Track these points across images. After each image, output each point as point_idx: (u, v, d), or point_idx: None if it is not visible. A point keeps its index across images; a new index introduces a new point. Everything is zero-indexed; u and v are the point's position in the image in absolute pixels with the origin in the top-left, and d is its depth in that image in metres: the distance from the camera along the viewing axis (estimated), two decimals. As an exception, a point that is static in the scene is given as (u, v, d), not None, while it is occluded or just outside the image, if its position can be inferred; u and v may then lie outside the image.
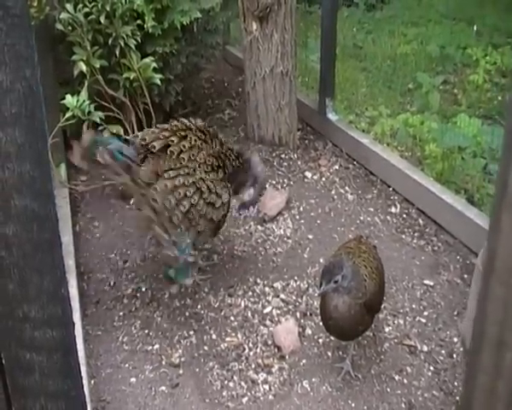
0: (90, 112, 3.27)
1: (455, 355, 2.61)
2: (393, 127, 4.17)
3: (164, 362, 2.59)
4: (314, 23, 5.86)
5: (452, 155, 3.72)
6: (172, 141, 2.67)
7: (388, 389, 2.45)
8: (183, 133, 2.72)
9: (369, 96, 4.77)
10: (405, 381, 2.49)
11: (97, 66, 3.38)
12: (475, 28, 5.68)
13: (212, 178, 2.73)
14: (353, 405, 2.38)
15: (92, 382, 2.48)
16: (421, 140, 4.04)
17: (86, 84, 3.35)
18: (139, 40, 3.47)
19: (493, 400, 1.50)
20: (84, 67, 3.33)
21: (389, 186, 3.80)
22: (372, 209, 3.63)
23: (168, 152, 2.65)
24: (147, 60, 3.49)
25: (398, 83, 4.93)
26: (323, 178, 3.95)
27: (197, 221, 2.68)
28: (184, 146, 2.67)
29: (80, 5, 3.29)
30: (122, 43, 3.40)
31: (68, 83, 3.66)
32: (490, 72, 5.10)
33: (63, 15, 3.26)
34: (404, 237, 3.37)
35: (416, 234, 3.39)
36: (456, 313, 2.83)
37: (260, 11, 3.89)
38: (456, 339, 2.68)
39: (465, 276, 3.04)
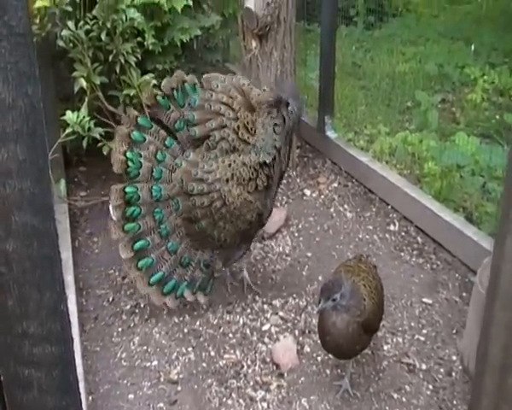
0: (89, 128, 3.29)
1: (454, 374, 2.60)
2: (392, 145, 4.19)
3: (162, 379, 2.59)
4: (313, 41, 5.91)
5: (451, 174, 3.74)
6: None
7: (387, 408, 2.44)
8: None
9: (368, 114, 4.80)
10: (404, 399, 2.48)
11: (97, 82, 3.40)
12: (473, 48, 5.72)
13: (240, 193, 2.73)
14: (352, 423, 2.37)
15: (90, 398, 2.47)
16: (419, 158, 4.05)
17: (86, 100, 3.37)
18: (139, 57, 3.49)
19: None
20: (84, 84, 3.35)
21: (388, 204, 3.82)
22: (371, 227, 3.63)
23: (205, 144, 2.74)
24: (147, 77, 3.50)
25: (397, 101, 4.96)
26: (322, 196, 3.96)
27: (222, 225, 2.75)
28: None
29: (81, 22, 3.32)
30: (122, 60, 3.41)
31: (69, 99, 3.68)
32: (488, 91, 5.13)
33: (64, 32, 3.28)
34: (402, 254, 3.38)
35: (414, 252, 3.39)
36: (454, 331, 2.82)
37: (260, 29, 3.92)
38: (454, 357, 2.68)
39: (464, 294, 3.04)
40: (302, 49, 5.37)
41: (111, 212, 2.79)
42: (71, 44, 3.36)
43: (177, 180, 2.75)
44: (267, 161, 2.73)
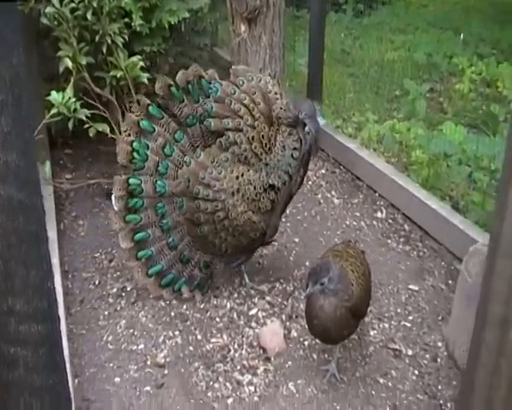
0: (75, 109, 3.22)
1: (439, 359, 2.61)
2: (380, 133, 4.19)
3: (149, 362, 2.57)
4: (302, 27, 5.88)
5: (438, 162, 3.75)
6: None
7: (373, 392, 2.45)
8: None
9: (357, 101, 4.79)
10: (390, 384, 2.49)
11: (83, 63, 3.33)
12: (462, 37, 5.73)
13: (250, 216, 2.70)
14: (338, 407, 2.37)
15: (76, 381, 2.44)
16: (407, 146, 4.06)
17: (72, 80, 3.30)
18: (126, 38, 3.43)
19: (496, 378, 1.48)
20: (69, 64, 3.27)
21: (375, 191, 3.82)
22: (358, 214, 3.64)
23: (217, 142, 2.69)
24: (134, 58, 3.44)
25: (385, 89, 4.96)
26: (310, 182, 3.95)
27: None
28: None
29: (66, 0, 3.25)
30: (109, 41, 3.35)
31: (53, 79, 3.61)
32: (475, 81, 5.15)
33: (48, 9, 3.20)
34: (389, 241, 3.39)
35: (401, 239, 3.40)
36: (440, 317, 2.83)
37: (249, 13, 3.88)
38: (440, 344, 2.69)
39: (449, 282, 3.06)
40: (291, 35, 5.35)
41: (113, 201, 2.75)
42: (55, 22, 3.28)
43: (183, 178, 2.69)
44: (276, 185, 2.68)
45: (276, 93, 2.73)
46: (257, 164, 2.69)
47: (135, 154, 2.70)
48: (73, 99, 3.19)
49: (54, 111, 3.17)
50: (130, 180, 2.71)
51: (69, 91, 3.22)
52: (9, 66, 1.21)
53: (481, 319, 1.55)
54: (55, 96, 3.15)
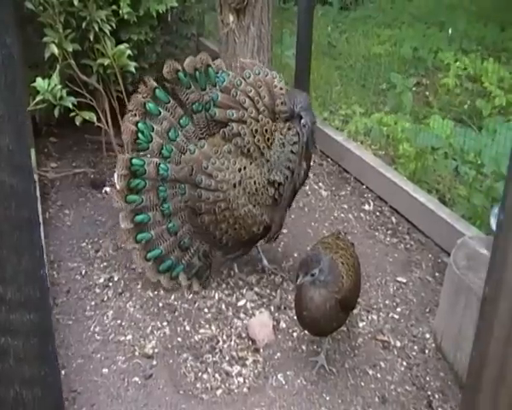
0: (61, 97, 3.16)
1: (427, 351, 2.63)
2: (367, 126, 4.20)
3: (137, 353, 2.54)
4: (288, 20, 5.87)
5: (425, 155, 3.77)
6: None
7: (362, 384, 2.45)
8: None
9: (344, 94, 4.79)
10: (379, 375, 2.50)
11: (70, 49, 3.27)
12: (450, 31, 5.76)
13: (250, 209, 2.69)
14: (328, 398, 2.37)
15: (63, 372, 2.39)
16: (394, 139, 4.07)
17: (58, 67, 3.24)
18: (114, 26, 3.38)
19: (510, 350, 1.46)
20: (55, 50, 3.22)
21: (363, 184, 3.83)
22: (346, 206, 3.64)
23: (221, 132, 2.68)
24: (121, 46, 3.40)
25: (372, 83, 4.97)
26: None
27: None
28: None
29: (52, -16, 3.18)
30: (96, 28, 3.30)
31: (38, 66, 3.54)
32: (460, 76, 5.18)
33: (33, -7, 3.15)
34: (377, 234, 3.40)
35: (388, 232, 3.41)
36: (428, 309, 2.85)
37: (237, 3, 3.84)
38: (428, 335, 2.70)
39: (436, 274, 3.07)
40: (278, 27, 5.32)
41: (115, 180, 2.73)
42: (40, 7, 3.22)
43: (187, 165, 2.68)
44: (277, 181, 2.67)
45: (281, 88, 2.72)
46: (259, 159, 2.67)
47: (139, 134, 2.70)
48: (59, 86, 3.13)
49: (39, 98, 3.11)
50: (134, 160, 2.69)
51: (55, 78, 3.15)
52: (3, 45, 1.17)
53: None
54: (40, 82, 3.09)
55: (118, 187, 2.72)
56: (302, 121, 2.64)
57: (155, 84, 2.74)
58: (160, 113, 2.73)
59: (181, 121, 2.75)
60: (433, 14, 6.50)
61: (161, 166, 2.71)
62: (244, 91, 2.68)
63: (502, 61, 5.41)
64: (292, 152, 2.66)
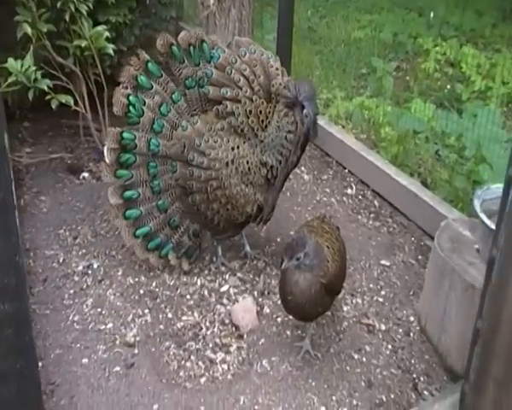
0: (36, 79, 3.06)
1: (411, 334, 2.62)
2: (349, 110, 4.17)
3: (118, 342, 2.48)
4: (268, 4, 5.80)
5: (406, 139, 3.75)
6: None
7: (348, 368, 2.43)
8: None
9: (324, 78, 4.75)
10: (364, 359, 2.48)
11: (44, 30, 3.16)
12: (432, 16, 5.76)
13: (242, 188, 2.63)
14: (313, 384, 2.35)
15: (40, 364, 2.32)
16: (375, 123, 4.05)
17: (31, 48, 3.12)
18: (91, 6, 3.28)
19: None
20: (28, 30, 3.10)
21: (345, 168, 3.80)
22: (328, 190, 3.61)
23: (214, 110, 2.62)
24: (99, 28, 3.30)
25: (352, 67, 4.94)
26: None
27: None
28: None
29: (23, -40, 3.06)
30: (72, 8, 3.19)
31: (9, 47, 3.41)
32: (440, 61, 5.19)
33: (3, -30, 3.03)
34: (360, 217, 3.37)
35: (371, 215, 3.39)
36: (411, 292, 2.84)
37: (218, -15, 3.77)
38: (412, 318, 2.70)
39: (419, 257, 3.07)
40: (258, 11, 5.24)
41: (105, 153, 2.66)
42: (11, -16, 3.10)
43: (178, 141, 2.62)
44: (269, 163, 2.62)
45: (277, 69, 2.68)
46: (253, 139, 2.63)
47: (131, 108, 2.64)
48: (33, 68, 3.02)
49: (11, 80, 3.00)
50: (124, 134, 2.64)
51: (29, 59, 3.04)
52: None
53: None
54: (12, 63, 2.98)
55: (107, 161, 2.65)
56: (304, 111, 2.58)
57: (148, 57, 2.68)
58: (152, 87, 2.67)
59: (173, 96, 2.69)
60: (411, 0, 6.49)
61: (152, 140, 2.66)
62: (239, 70, 2.63)
63: (479, 47, 5.45)
64: (286, 139, 2.60)
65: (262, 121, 2.62)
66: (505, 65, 4.73)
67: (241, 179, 2.63)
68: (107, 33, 3.30)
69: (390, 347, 2.55)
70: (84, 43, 3.25)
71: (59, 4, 3.16)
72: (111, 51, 3.33)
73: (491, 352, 1.47)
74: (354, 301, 2.78)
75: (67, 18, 3.21)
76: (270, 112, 2.63)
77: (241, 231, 2.93)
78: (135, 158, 2.67)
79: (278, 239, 3.13)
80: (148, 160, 2.69)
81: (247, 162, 2.62)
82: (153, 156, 2.68)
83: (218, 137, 2.62)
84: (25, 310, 1.37)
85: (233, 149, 2.61)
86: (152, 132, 2.66)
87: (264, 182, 2.67)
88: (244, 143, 2.63)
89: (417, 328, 2.64)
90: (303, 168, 3.80)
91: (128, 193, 2.69)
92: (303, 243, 2.21)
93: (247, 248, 3.00)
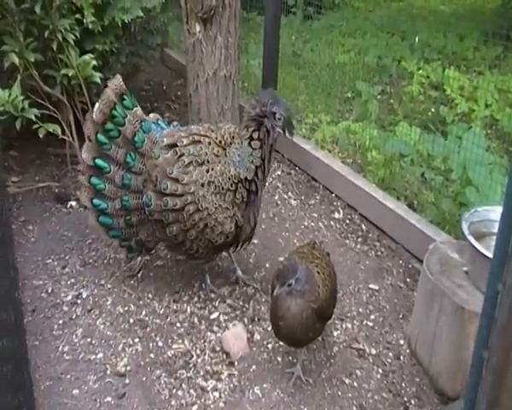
0: (23, 108, 3.07)
1: (402, 357, 2.63)
2: (335, 134, 4.21)
3: (109, 372, 2.46)
4: (252, 30, 5.87)
5: (393, 162, 3.80)
6: (182, 142, 2.63)
7: (339, 393, 2.43)
8: (196, 137, 2.66)
9: (310, 103, 4.80)
10: (355, 384, 2.48)
11: (31, 59, 3.18)
12: (417, 40, 5.86)
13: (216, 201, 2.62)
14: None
15: (30, 396, 2.30)
16: (362, 147, 4.09)
17: (19, 78, 3.13)
18: (78, 35, 3.30)
19: None
20: (16, 60, 3.12)
21: (332, 192, 3.83)
22: (316, 215, 3.63)
23: (173, 151, 2.63)
24: (86, 57, 3.32)
25: (337, 91, 5.00)
26: (266, 184, 3.91)
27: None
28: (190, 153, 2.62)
29: (11, -10, 3.08)
30: (60, 38, 3.21)
31: (-4, 76, 3.43)
32: (423, 84, 5.27)
33: (-10, 0, 3.04)
34: (347, 242, 3.40)
35: (359, 239, 3.42)
36: (401, 316, 2.86)
37: (204, 13, 3.80)
38: (402, 341, 2.71)
39: (408, 280, 3.09)
40: (242, 38, 5.30)
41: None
42: (-1, 15, 3.12)
43: (151, 170, 2.64)
44: (248, 178, 2.62)
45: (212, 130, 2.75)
46: (222, 159, 2.63)
47: (109, 124, 2.70)
48: (21, 97, 3.03)
49: (-1, 110, 3.00)
50: (97, 161, 2.73)
51: (16, 89, 3.05)
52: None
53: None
54: (0, 93, 2.98)
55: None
56: (277, 116, 2.60)
57: (115, 99, 2.71)
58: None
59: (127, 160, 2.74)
60: (394, 24, 6.61)
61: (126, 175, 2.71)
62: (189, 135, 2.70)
63: (462, 69, 5.55)
64: (251, 147, 2.60)
65: (225, 143, 2.66)
66: (488, 87, 4.82)
67: (219, 197, 2.61)
68: (94, 62, 3.32)
69: (381, 371, 2.56)
70: (71, 72, 3.28)
71: (46, 34, 3.19)
72: (98, 80, 3.34)
73: (502, 385, 1.49)
74: (344, 325, 2.78)
75: (55, 47, 3.24)
76: (232, 136, 2.67)
77: (216, 257, 2.95)
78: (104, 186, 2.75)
79: (267, 265, 3.14)
80: (121, 193, 2.74)
81: (223, 181, 2.61)
82: (124, 189, 2.74)
83: (189, 166, 2.61)
84: (22, 346, 1.36)
85: (208, 170, 2.61)
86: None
87: (241, 200, 2.66)
88: (218, 165, 2.62)
89: (407, 351, 2.65)
90: (290, 194, 3.83)
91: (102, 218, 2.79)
92: (294, 270, 2.23)
93: (239, 272, 3.00)
